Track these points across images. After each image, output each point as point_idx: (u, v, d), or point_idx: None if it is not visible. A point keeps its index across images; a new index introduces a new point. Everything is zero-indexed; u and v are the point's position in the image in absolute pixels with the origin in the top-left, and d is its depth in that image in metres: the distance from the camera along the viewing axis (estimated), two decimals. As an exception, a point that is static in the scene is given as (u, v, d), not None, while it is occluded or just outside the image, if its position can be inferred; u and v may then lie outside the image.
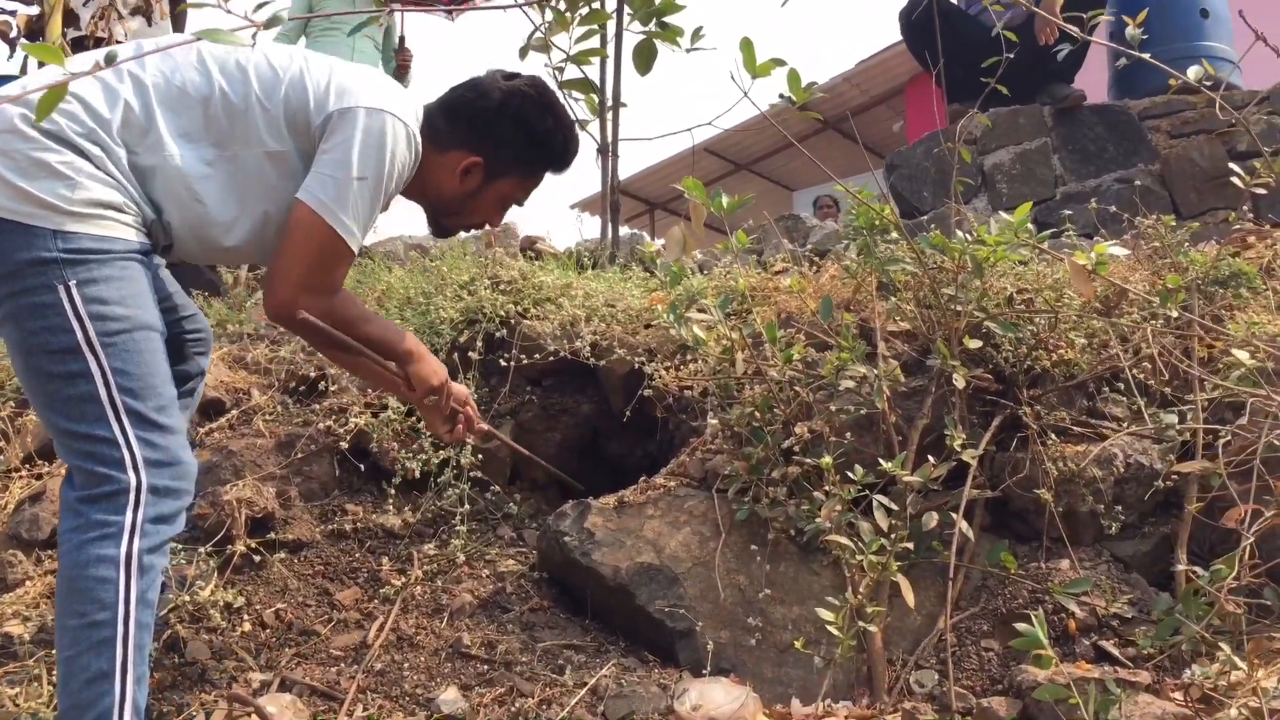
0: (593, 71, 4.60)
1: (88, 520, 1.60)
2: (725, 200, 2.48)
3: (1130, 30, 1.67)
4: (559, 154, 2.08)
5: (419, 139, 1.89)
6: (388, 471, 2.79)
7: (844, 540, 1.94)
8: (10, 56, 5.02)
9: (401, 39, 5.83)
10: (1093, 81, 4.89)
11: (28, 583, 2.45)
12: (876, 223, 2.46)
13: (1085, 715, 1.49)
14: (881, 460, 2.13)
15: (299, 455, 2.77)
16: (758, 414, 2.38)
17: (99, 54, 1.75)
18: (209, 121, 1.77)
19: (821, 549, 2.25)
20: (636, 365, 2.81)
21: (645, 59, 4.56)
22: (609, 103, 4.72)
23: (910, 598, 1.86)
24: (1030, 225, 2.10)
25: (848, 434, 2.27)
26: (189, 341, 2.09)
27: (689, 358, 2.72)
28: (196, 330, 2.11)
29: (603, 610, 2.31)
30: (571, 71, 4.48)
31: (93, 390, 1.61)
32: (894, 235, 2.48)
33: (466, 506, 2.68)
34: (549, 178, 2.13)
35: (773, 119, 2.79)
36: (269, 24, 1.17)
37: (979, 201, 4.60)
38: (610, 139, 4.67)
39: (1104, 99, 5.08)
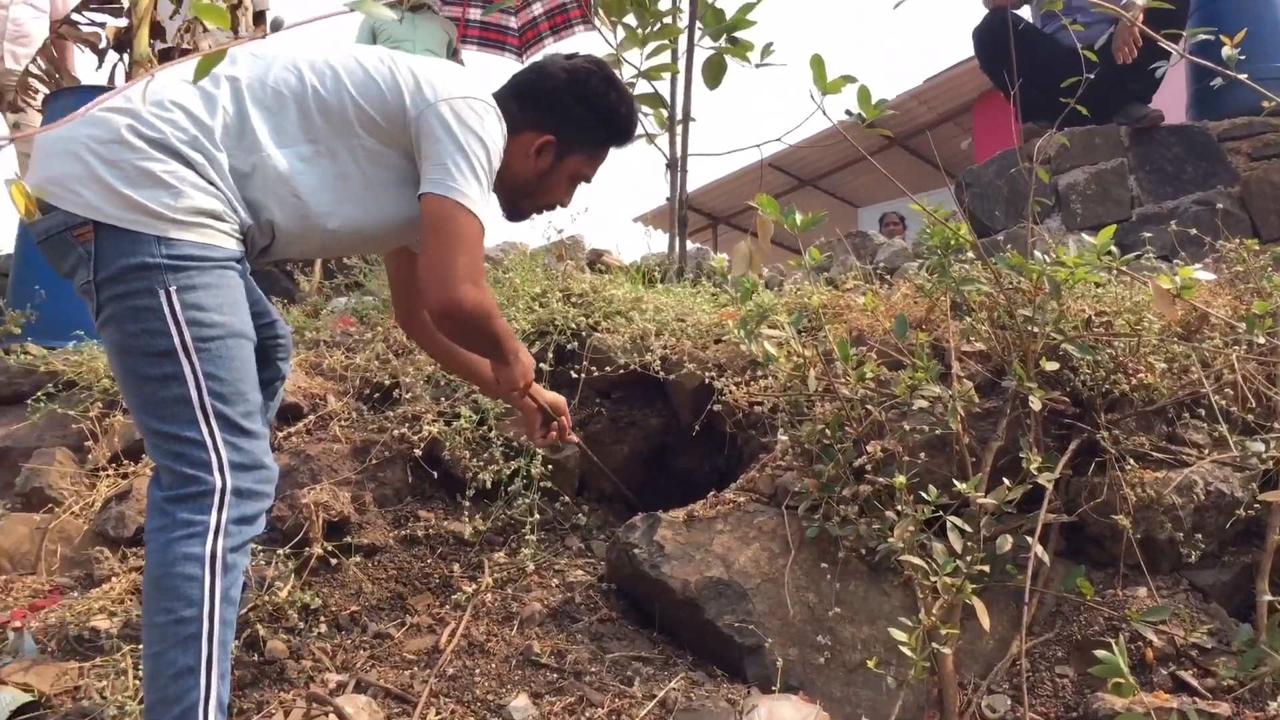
0: (663, 86, 4.64)
1: (174, 519, 1.65)
2: (799, 217, 2.49)
3: (1227, 51, 1.65)
4: (622, 127, 2.17)
5: (503, 121, 1.95)
6: (459, 479, 2.84)
7: (917, 560, 1.93)
8: (99, 67, 5.18)
9: (455, 51, 5.96)
10: (1171, 102, 4.81)
11: (114, 579, 2.53)
12: (952, 242, 2.45)
13: (1167, 746, 1.47)
14: (955, 481, 2.12)
15: (373, 461, 2.82)
16: (829, 431, 2.37)
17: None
18: (303, 119, 1.83)
19: (892, 569, 2.24)
20: (706, 380, 2.82)
21: (715, 74, 4.60)
22: (678, 117, 4.75)
23: (985, 620, 1.84)
24: (1113, 248, 2.07)
25: (921, 454, 2.26)
26: (273, 346, 2.15)
27: (759, 374, 2.72)
28: (279, 336, 2.17)
29: (671, 623, 2.32)
30: (641, 86, 4.53)
31: (185, 393, 1.66)
32: (969, 255, 2.47)
33: (536, 516, 2.71)
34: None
35: (840, 135, 2.79)
36: (414, 7, 1.15)
37: (1052, 221, 4.54)
38: (680, 154, 4.70)
39: (1182, 119, 4.99)
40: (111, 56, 5.19)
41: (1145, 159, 4.47)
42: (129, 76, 5.03)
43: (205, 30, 5.18)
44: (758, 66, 4.42)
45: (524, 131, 2.03)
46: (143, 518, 2.69)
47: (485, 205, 1.85)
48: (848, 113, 2.95)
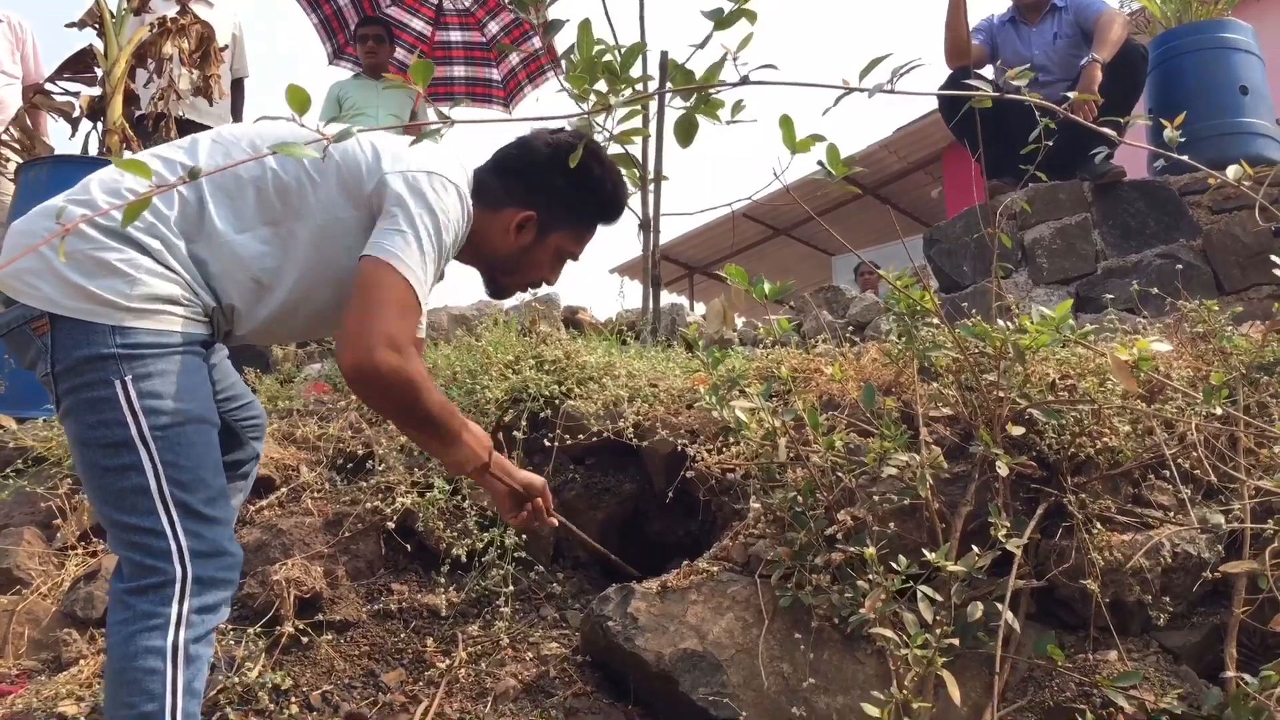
0: (635, 147, 4.70)
1: (135, 611, 1.64)
2: (767, 286, 2.52)
3: (1168, 133, 1.70)
4: (609, 204, 2.15)
5: (469, 200, 1.94)
6: (433, 550, 2.83)
7: (888, 633, 1.94)
8: (72, 135, 5.21)
9: (413, 113, 6.01)
10: (1134, 154, 4.90)
11: (82, 661, 2.50)
12: (917, 307, 2.48)
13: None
14: (925, 550, 2.13)
15: (346, 534, 2.81)
16: (800, 499, 2.39)
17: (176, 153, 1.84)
18: (261, 203, 1.82)
19: (866, 637, 2.24)
20: (679, 446, 2.83)
21: (687, 133, 4.65)
22: (650, 177, 4.81)
23: (956, 694, 1.85)
24: (1071, 321, 2.11)
25: (891, 522, 2.28)
26: (245, 427, 2.15)
27: (731, 440, 2.74)
28: (252, 416, 2.17)
29: (646, 696, 2.31)
30: (613, 148, 4.58)
31: (143, 483, 1.65)
32: (935, 319, 2.50)
33: (510, 588, 2.70)
34: (600, 232, 2.18)
35: (809, 186, 2.84)
36: (339, 138, 1.23)
37: (1019, 276, 4.61)
38: (652, 213, 4.75)
39: (1145, 174, 5.09)
40: (85, 125, 5.22)
41: (1108, 214, 4.55)
42: (103, 145, 5.06)
43: (179, 98, 5.22)
44: (729, 123, 4.48)
45: (506, 207, 2.02)
46: (112, 597, 2.67)
47: (425, 275, 1.78)
48: (819, 163, 3.00)
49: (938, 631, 1.89)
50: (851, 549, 2.21)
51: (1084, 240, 4.56)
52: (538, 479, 2.22)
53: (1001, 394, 2.36)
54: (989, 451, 2.29)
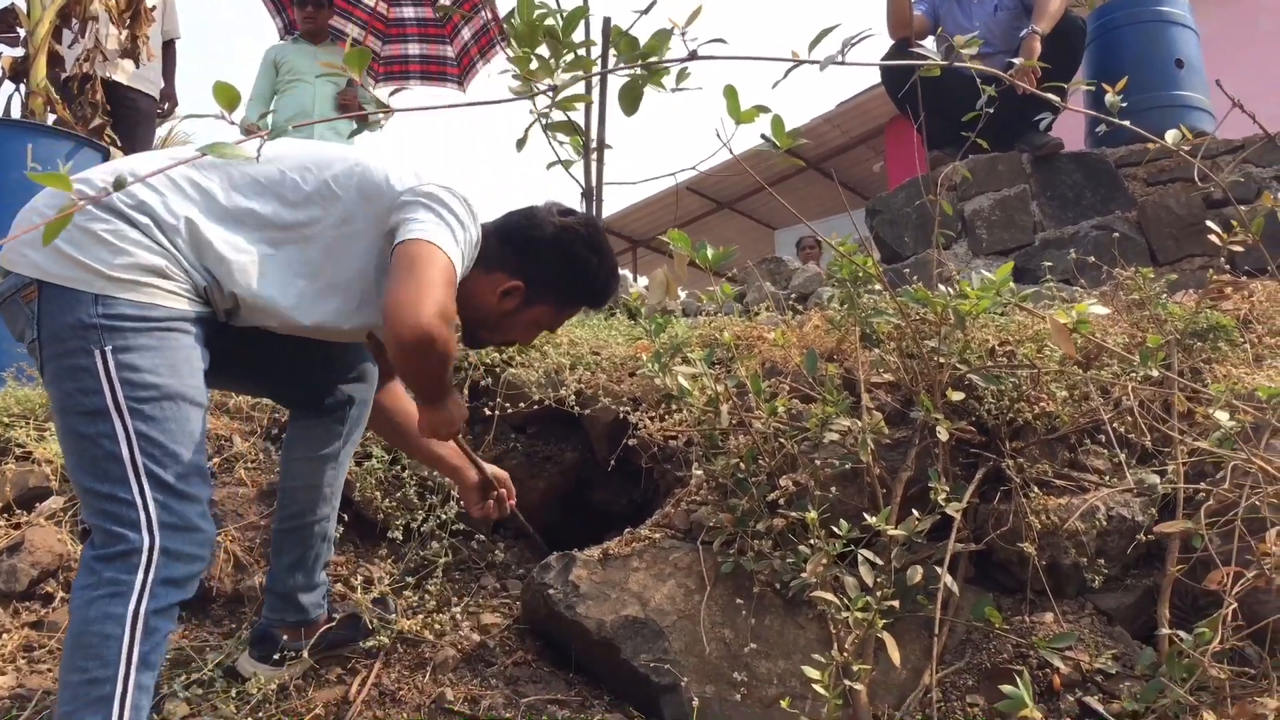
0: (578, 114, 4.64)
1: (100, 578, 1.63)
2: (710, 252, 2.50)
3: (1110, 98, 1.70)
4: (598, 292, 2.18)
5: (478, 234, 1.97)
6: (370, 521, 2.78)
7: (829, 596, 1.94)
8: (-7, 99, 5.01)
9: (350, 80, 5.86)
10: (1070, 127, 4.95)
11: (5, 635, 2.42)
12: (859, 274, 2.48)
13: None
14: (866, 514, 2.14)
15: (281, 504, 2.75)
16: (742, 465, 2.38)
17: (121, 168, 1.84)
18: (281, 206, 1.85)
19: (807, 602, 2.25)
20: (621, 414, 2.81)
21: (631, 100, 4.60)
22: (593, 145, 4.75)
23: (896, 656, 1.86)
24: (1011, 283, 2.12)
25: (832, 487, 2.28)
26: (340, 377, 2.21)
27: (674, 407, 2.72)
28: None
29: (588, 664, 2.30)
30: (555, 114, 4.52)
31: (116, 451, 1.66)
32: (877, 285, 2.50)
33: (449, 557, 2.67)
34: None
35: (753, 160, 2.82)
36: (274, 135, 1.19)
37: (959, 247, 4.64)
38: (595, 182, 4.70)
39: (1082, 146, 5.15)
40: (7, 87, 5.04)
41: (1046, 185, 4.60)
42: (25, 108, 4.88)
43: (105, 59, 5.04)
44: (673, 91, 4.43)
45: (497, 270, 2.04)
46: (35, 570, 2.59)
47: (458, 261, 1.82)
48: (762, 137, 2.99)
49: (878, 594, 1.89)
50: (793, 514, 2.21)
51: (1022, 211, 4.60)
52: (502, 471, 2.36)
53: (942, 360, 2.37)
54: (929, 417, 2.29)
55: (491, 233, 2.05)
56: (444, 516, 2.71)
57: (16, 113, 4.89)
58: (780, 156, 4.29)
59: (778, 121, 4.03)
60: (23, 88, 4.92)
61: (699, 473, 2.48)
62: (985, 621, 2.11)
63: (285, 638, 2.21)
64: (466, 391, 2.95)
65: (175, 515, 1.69)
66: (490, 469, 2.32)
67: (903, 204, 4.80)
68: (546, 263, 2.06)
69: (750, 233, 15.03)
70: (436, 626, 2.39)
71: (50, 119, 4.87)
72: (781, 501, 2.28)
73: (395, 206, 1.86)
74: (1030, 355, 2.42)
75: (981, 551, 2.34)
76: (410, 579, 2.63)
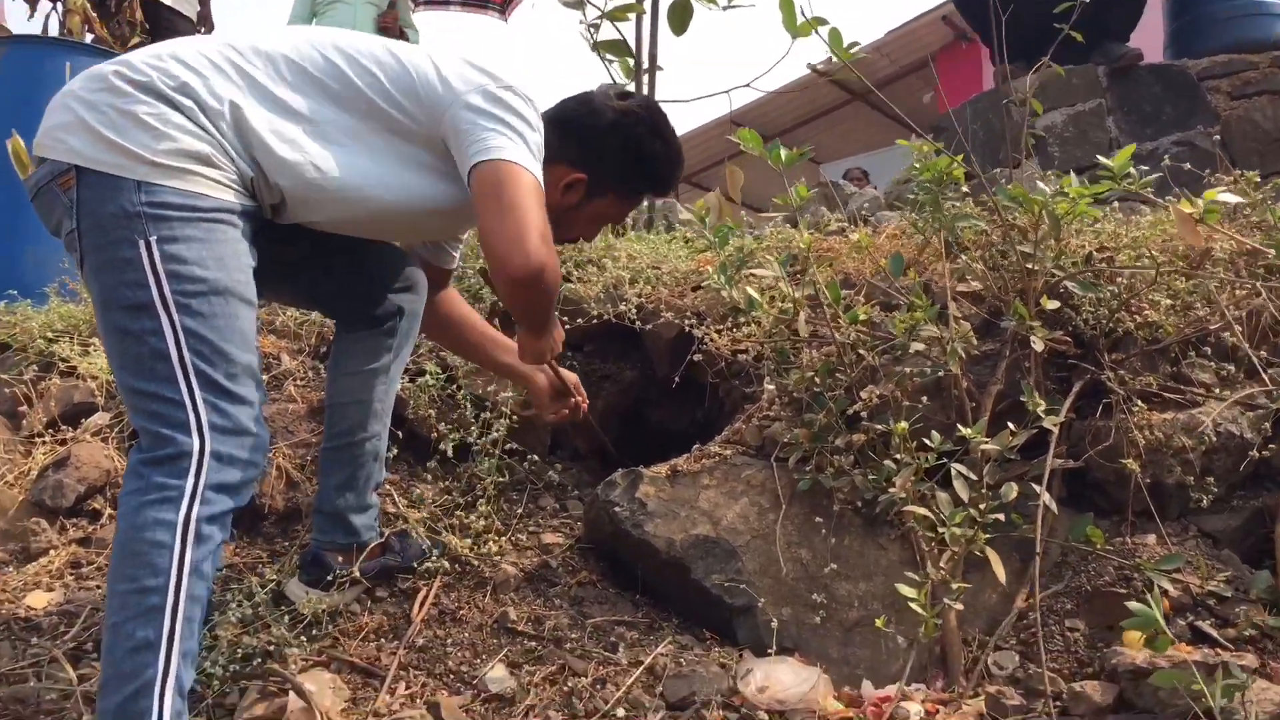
0: (628, 31, 4.45)
1: (148, 483, 1.53)
2: (784, 153, 2.35)
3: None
4: (663, 178, 2.05)
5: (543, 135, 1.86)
6: (425, 439, 2.67)
7: (922, 511, 1.80)
8: (30, 17, 4.90)
9: (391, 3, 5.71)
10: (1148, 40, 4.69)
11: (52, 552, 2.35)
12: (944, 177, 2.31)
13: (1206, 702, 1.35)
14: (953, 428, 1.99)
15: (333, 421, 2.65)
16: (818, 379, 2.24)
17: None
18: (327, 96, 1.73)
19: (889, 521, 2.12)
20: (685, 329, 2.67)
21: (681, 18, 4.40)
22: (645, 64, 4.56)
23: (1000, 572, 1.73)
24: (1132, 169, 1.94)
25: (922, 398, 2.13)
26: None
27: (740, 321, 2.58)
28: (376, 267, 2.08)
29: (655, 585, 2.18)
30: (607, 31, 4.33)
31: (163, 348, 1.55)
32: (963, 190, 2.33)
33: (505, 477, 2.56)
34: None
35: (808, 83, 2.65)
36: None
37: (1029, 165, 4.42)
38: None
39: (1160, 59, 4.88)
40: (44, 6, 4.91)
41: (1124, 99, 4.35)
42: (63, 26, 4.77)
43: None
44: (725, 9, 4.25)
45: (558, 163, 1.90)
46: (82, 486, 2.51)
47: (540, 175, 1.71)
48: (809, 67, 2.81)
49: (981, 508, 1.75)
50: (877, 428, 2.07)
51: (1098, 128, 4.37)
52: (573, 375, 2.25)
53: (1035, 267, 2.21)
54: (1023, 326, 2.14)
55: (549, 124, 1.89)
56: (497, 435, 2.59)
57: (55, 31, 4.77)
58: (834, 81, 4.04)
59: (835, 34, 3.80)
60: (60, 6, 4.80)
61: (771, 387, 2.35)
62: (1085, 542, 1.96)
63: (338, 560, 2.11)
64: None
65: (226, 417, 1.58)
66: (564, 374, 2.23)
67: (969, 121, 4.58)
68: (610, 151, 1.94)
69: (796, 169, 14.69)
70: (495, 546, 2.29)
71: (88, 38, 4.76)
72: (863, 415, 2.14)
73: (457, 106, 1.73)
74: (1130, 261, 2.24)
75: (1073, 472, 2.19)
76: (465, 499, 2.52)
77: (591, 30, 4.25)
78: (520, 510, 2.49)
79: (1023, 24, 4.42)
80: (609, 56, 4.38)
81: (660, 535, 2.12)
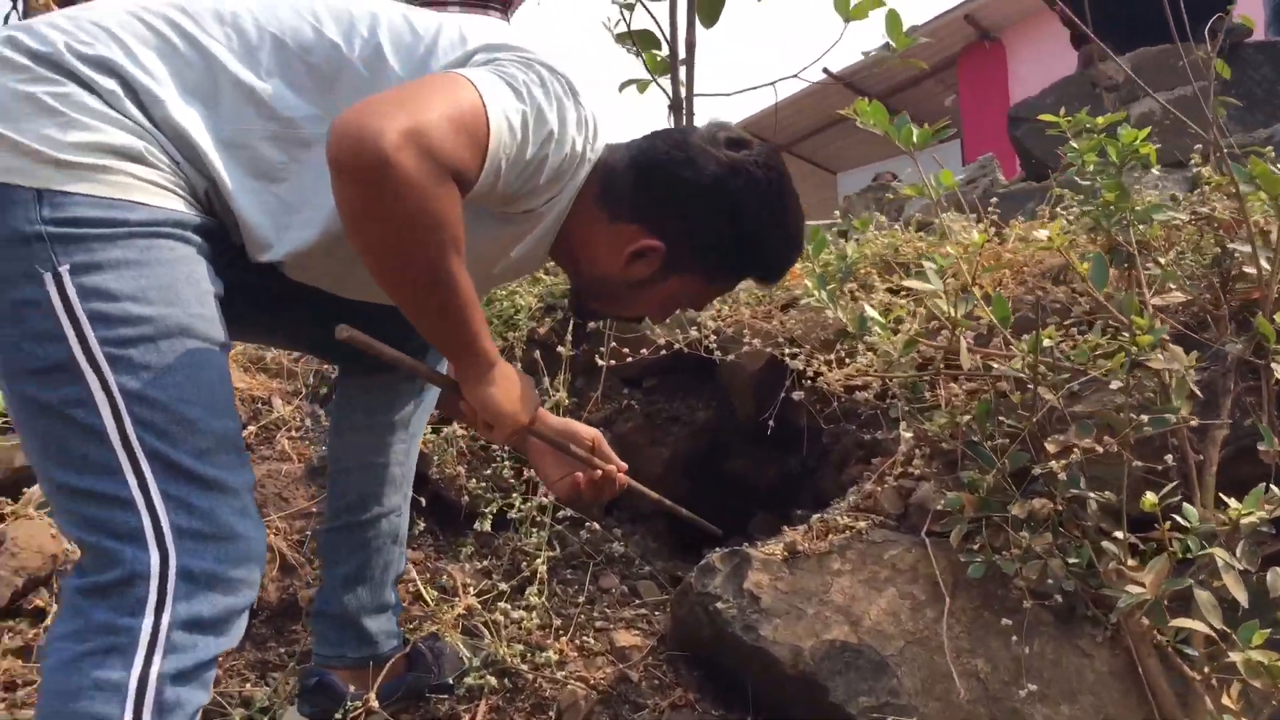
0: (661, 15, 3.96)
1: (88, 622, 1.03)
2: (915, 131, 1.82)
3: None
4: (772, 263, 1.47)
5: (595, 142, 1.30)
6: (453, 504, 2.13)
7: (1195, 625, 1.25)
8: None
9: None
10: (1253, 15, 4.18)
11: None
12: (1130, 155, 1.78)
13: None
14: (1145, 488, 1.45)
15: (337, 486, 2.10)
16: (975, 424, 1.70)
17: None
18: (316, 81, 1.21)
19: (1089, 617, 1.57)
20: (777, 358, 2.13)
21: (712, 9, 3.92)
22: (681, 54, 4.07)
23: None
24: None
25: (1110, 447, 1.58)
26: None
27: (851, 349, 2.03)
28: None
29: (774, 705, 1.64)
30: (639, 17, 3.84)
31: (96, 423, 1.05)
32: (1154, 172, 1.81)
33: (556, 549, 2.02)
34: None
35: (804, 104, 2.13)
36: None
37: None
38: (684, 94, 4.00)
39: (1263, 35, 4.36)
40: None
41: (1231, 82, 3.82)
42: (28, 14, 4.25)
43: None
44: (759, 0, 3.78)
45: (628, 222, 1.35)
46: (20, 578, 1.97)
47: (505, 126, 1.13)
48: (825, 71, 2.33)
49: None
50: (1085, 493, 1.52)
51: (1202, 113, 3.83)
52: (587, 428, 1.52)
53: (1265, 271, 1.67)
54: (1252, 350, 1.60)
55: (625, 165, 1.34)
56: (545, 500, 2.05)
57: (17, 19, 4.26)
58: (895, 59, 3.58)
59: (894, 17, 3.28)
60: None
61: (908, 435, 1.80)
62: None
63: (350, 688, 1.57)
64: (570, 336, 2.27)
65: (197, 515, 1.07)
66: (579, 429, 1.51)
67: (1053, 109, 4.04)
68: (703, 219, 1.36)
69: (810, 178, 14.17)
70: (556, 653, 1.74)
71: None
72: (1050, 473, 1.59)
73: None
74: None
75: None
76: (509, 584, 1.97)
77: (623, 12, 3.78)
78: (581, 597, 1.94)
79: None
80: (633, 48, 3.89)
81: (782, 642, 1.58)
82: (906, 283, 1.59)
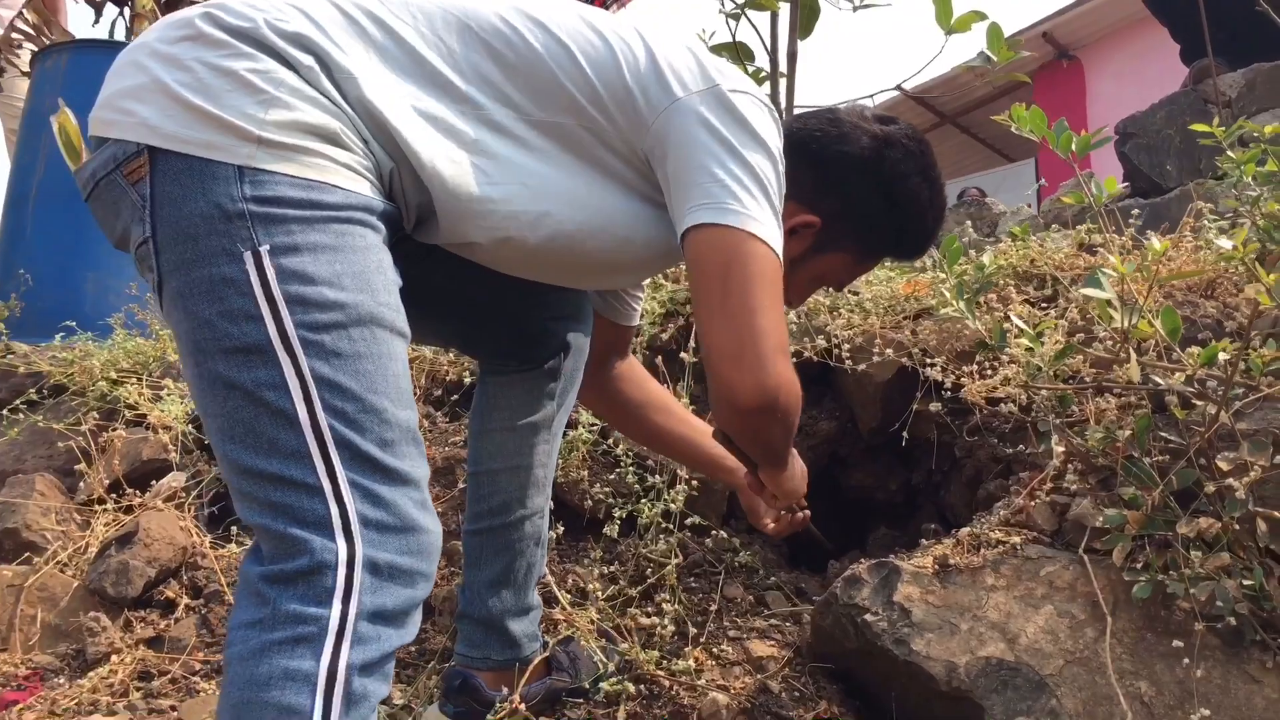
0: (763, 26, 3.95)
1: (275, 611, 1.00)
2: (1075, 140, 1.78)
3: None
4: (919, 237, 1.54)
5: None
6: (575, 510, 2.12)
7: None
8: (95, 22, 4.50)
9: None
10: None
11: (114, 657, 1.82)
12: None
13: None
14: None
15: (461, 486, 2.11)
16: (1136, 438, 1.65)
17: None
18: (509, 76, 1.22)
19: (1258, 642, 1.51)
20: (912, 369, 2.09)
21: (807, 20, 3.90)
22: (781, 64, 4.05)
23: None
24: None
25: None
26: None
27: (991, 360, 1.99)
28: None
29: (924, 722, 1.59)
30: (743, 31, 3.83)
31: (288, 408, 1.03)
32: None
33: (681, 557, 2.00)
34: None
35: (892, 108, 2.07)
36: None
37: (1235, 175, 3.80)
38: (785, 105, 3.99)
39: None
40: (110, 10, 4.52)
41: (1349, 98, 3.72)
42: (130, 32, 4.35)
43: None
44: (856, 9, 3.76)
45: (786, 199, 1.35)
46: (152, 569, 1.99)
47: (780, 243, 1.23)
48: (899, 88, 2.35)
49: None
50: (1247, 511, 1.47)
51: (1318, 132, 3.73)
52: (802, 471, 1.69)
53: None
54: None
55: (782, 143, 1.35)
56: (672, 506, 2.03)
57: (121, 35, 4.37)
58: (995, 74, 3.56)
59: (995, 30, 3.26)
60: (127, 9, 4.40)
61: (1060, 449, 1.75)
62: None
63: (498, 686, 1.55)
64: (694, 344, 2.25)
65: (384, 507, 1.05)
66: (799, 473, 1.67)
67: (1162, 125, 3.96)
68: (858, 194, 1.42)
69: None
70: (693, 660, 1.72)
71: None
72: (1213, 491, 1.54)
73: (680, 114, 1.22)
74: None
75: None
76: (637, 590, 1.95)
77: (729, 22, 3.81)
78: (712, 606, 1.91)
79: (1218, 14, 3.84)
80: (732, 59, 3.88)
81: (936, 657, 1.53)
82: (1083, 290, 1.55)
